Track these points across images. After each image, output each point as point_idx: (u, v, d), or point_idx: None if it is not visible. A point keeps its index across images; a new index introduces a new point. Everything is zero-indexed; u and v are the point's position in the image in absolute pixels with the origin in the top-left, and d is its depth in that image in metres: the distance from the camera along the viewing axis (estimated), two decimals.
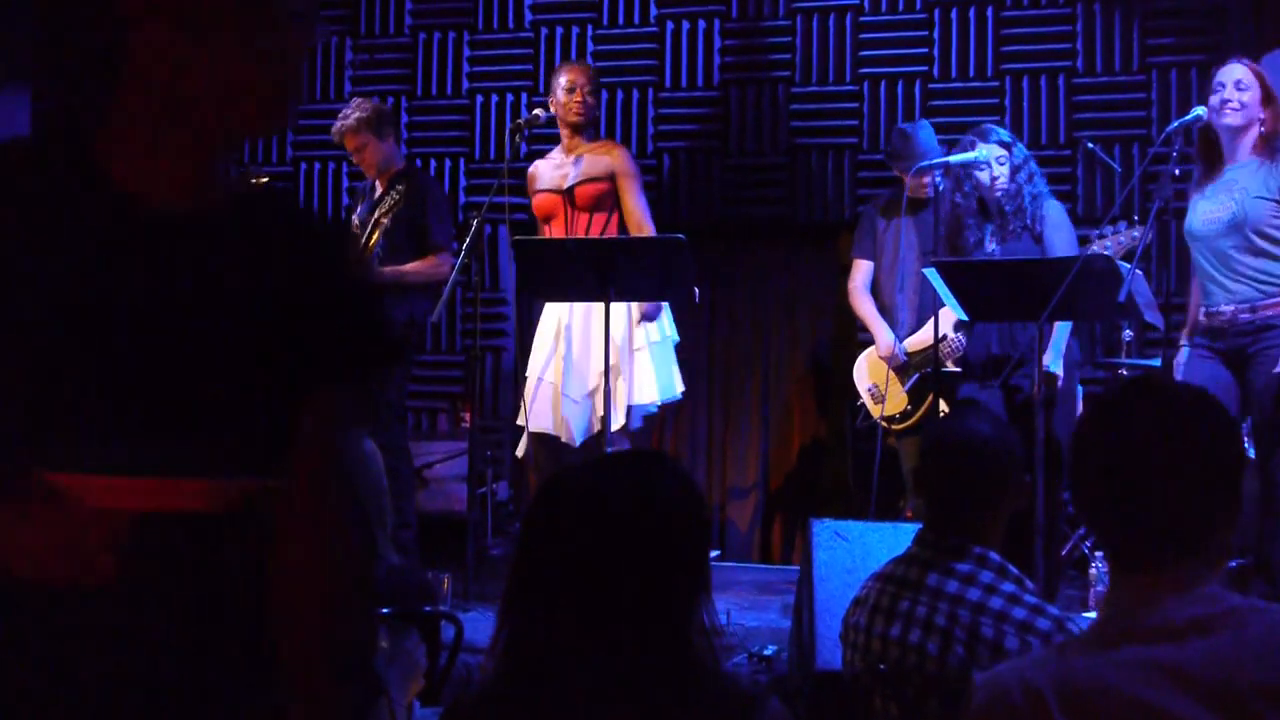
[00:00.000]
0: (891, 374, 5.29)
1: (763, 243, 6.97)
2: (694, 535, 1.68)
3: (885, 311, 5.40)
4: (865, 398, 5.41)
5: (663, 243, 4.66)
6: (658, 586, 1.61)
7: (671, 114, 6.93)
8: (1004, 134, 4.93)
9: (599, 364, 4.86)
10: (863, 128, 6.64)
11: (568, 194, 5.10)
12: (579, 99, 5.13)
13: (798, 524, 6.65)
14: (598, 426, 4.92)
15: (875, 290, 5.49)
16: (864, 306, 5.47)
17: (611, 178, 5.10)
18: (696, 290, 4.78)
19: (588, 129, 5.20)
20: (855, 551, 3.85)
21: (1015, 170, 4.82)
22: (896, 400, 5.32)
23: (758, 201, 6.80)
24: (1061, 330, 4.72)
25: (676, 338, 5.18)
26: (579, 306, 5.02)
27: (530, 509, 1.70)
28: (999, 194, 4.81)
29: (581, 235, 5.04)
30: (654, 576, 1.61)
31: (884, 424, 5.29)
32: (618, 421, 4.89)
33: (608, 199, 5.10)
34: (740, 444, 6.93)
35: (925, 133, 5.39)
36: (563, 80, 5.18)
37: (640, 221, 5.12)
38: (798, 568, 4.21)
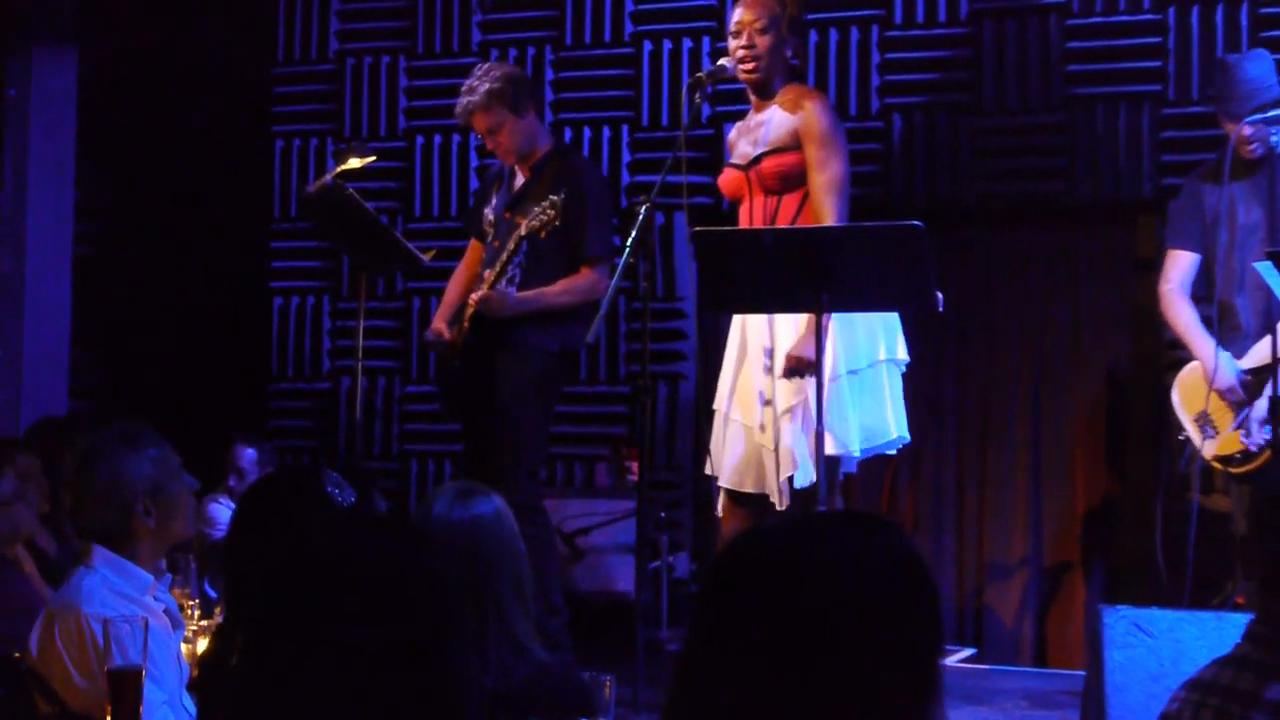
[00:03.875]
0: (1224, 402, 5.17)
1: (1030, 230, 6.90)
2: (917, 625, 1.68)
3: (1223, 317, 5.26)
4: (1191, 431, 5.28)
5: (895, 232, 4.65)
6: (869, 693, 1.61)
7: (902, 59, 6.91)
8: None
9: (789, 395, 4.87)
10: (1167, 70, 6.52)
11: (752, 169, 5.09)
12: (744, 44, 5.09)
13: (1084, 613, 6.53)
14: (800, 479, 4.91)
15: (1206, 290, 5.37)
16: (1183, 315, 5.34)
17: (799, 143, 5.04)
18: (940, 296, 4.75)
19: (770, 85, 5.19)
20: (1163, 650, 3.82)
21: None
22: (1233, 436, 5.20)
23: (1022, 175, 6.73)
24: None
25: (907, 359, 5.11)
26: (776, 316, 5.03)
27: (703, 586, 1.72)
28: None
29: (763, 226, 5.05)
30: (864, 680, 1.61)
31: (1217, 466, 5.18)
32: (809, 473, 4.86)
33: (799, 175, 5.05)
34: (1003, 504, 6.85)
35: (1257, 64, 5.25)
36: (731, 20, 5.20)
37: (823, 205, 4.98)
38: (1083, 673, 4.16)
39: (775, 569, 1.67)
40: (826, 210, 4.97)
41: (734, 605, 1.67)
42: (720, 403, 5.14)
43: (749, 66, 5.08)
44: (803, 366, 4.76)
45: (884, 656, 1.64)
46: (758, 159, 5.07)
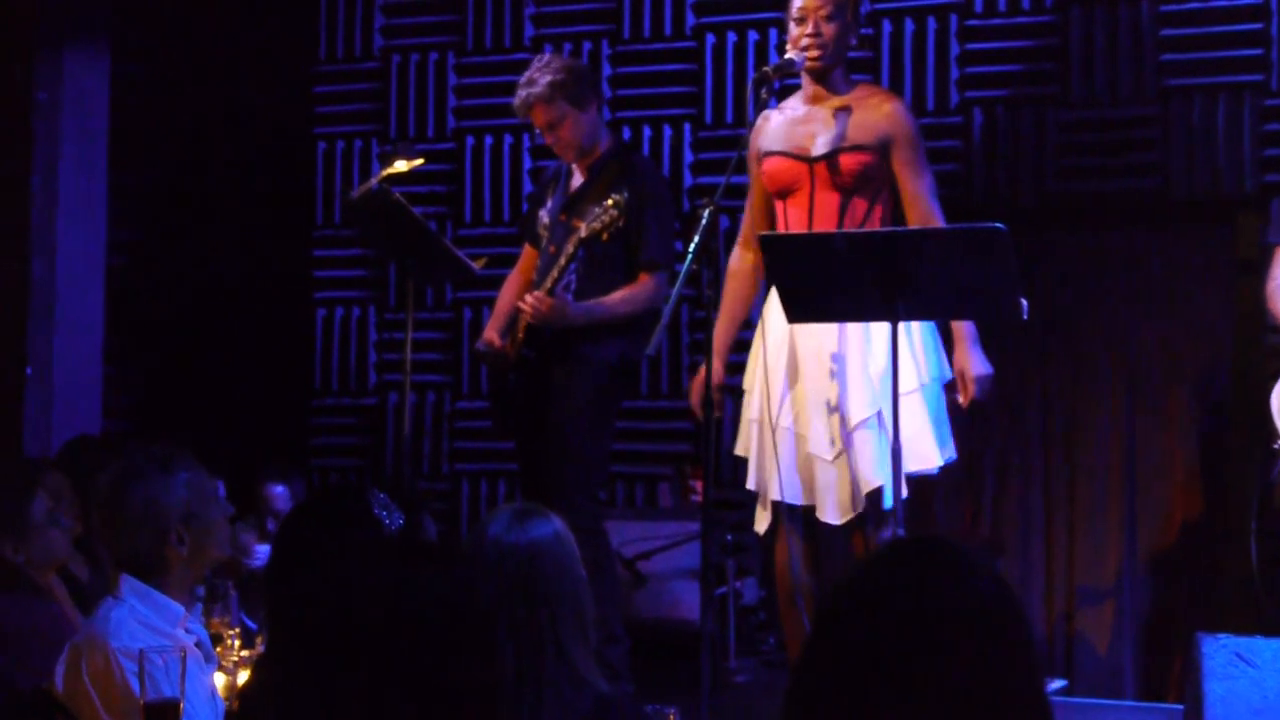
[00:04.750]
0: None
1: (1122, 231, 6.86)
2: (1016, 659, 1.69)
3: None
4: None
5: (976, 235, 4.65)
6: None
7: (983, 50, 6.90)
8: None
9: (860, 409, 4.88)
10: (1270, 58, 6.48)
11: (819, 163, 5.10)
12: (810, 31, 5.13)
13: (1181, 642, 6.49)
14: (854, 499, 4.94)
15: None
16: None
17: (883, 146, 5.10)
18: (1025, 302, 4.74)
19: (833, 74, 5.21)
20: (1267, 682, 3.82)
21: None
22: None
23: (1113, 172, 6.70)
24: None
25: (949, 375, 5.16)
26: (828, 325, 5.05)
27: (814, 632, 1.75)
28: None
29: (833, 225, 5.06)
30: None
31: None
32: (887, 497, 4.89)
33: (876, 176, 5.09)
34: (1094, 525, 6.82)
35: None
36: (793, 6, 5.22)
37: (928, 211, 5.10)
38: (1181, 707, 4.15)
39: (869, 607, 1.70)
40: (933, 214, 5.10)
41: (833, 653, 1.71)
42: (765, 411, 5.14)
43: (815, 55, 5.10)
44: (992, 384, 5.07)
45: (989, 691, 1.67)
46: (833, 153, 5.08)
